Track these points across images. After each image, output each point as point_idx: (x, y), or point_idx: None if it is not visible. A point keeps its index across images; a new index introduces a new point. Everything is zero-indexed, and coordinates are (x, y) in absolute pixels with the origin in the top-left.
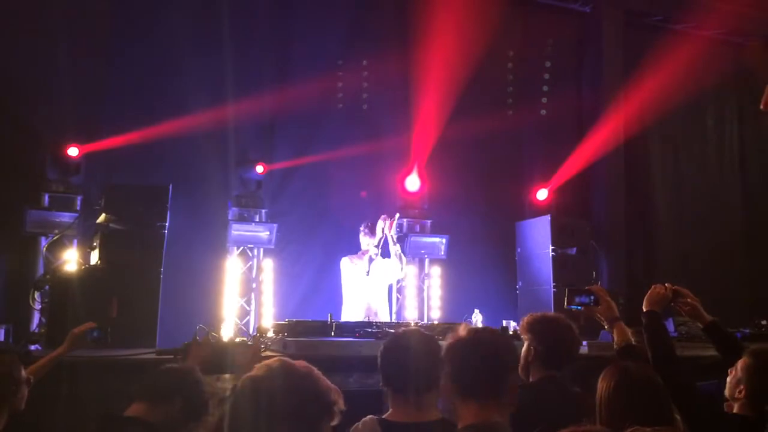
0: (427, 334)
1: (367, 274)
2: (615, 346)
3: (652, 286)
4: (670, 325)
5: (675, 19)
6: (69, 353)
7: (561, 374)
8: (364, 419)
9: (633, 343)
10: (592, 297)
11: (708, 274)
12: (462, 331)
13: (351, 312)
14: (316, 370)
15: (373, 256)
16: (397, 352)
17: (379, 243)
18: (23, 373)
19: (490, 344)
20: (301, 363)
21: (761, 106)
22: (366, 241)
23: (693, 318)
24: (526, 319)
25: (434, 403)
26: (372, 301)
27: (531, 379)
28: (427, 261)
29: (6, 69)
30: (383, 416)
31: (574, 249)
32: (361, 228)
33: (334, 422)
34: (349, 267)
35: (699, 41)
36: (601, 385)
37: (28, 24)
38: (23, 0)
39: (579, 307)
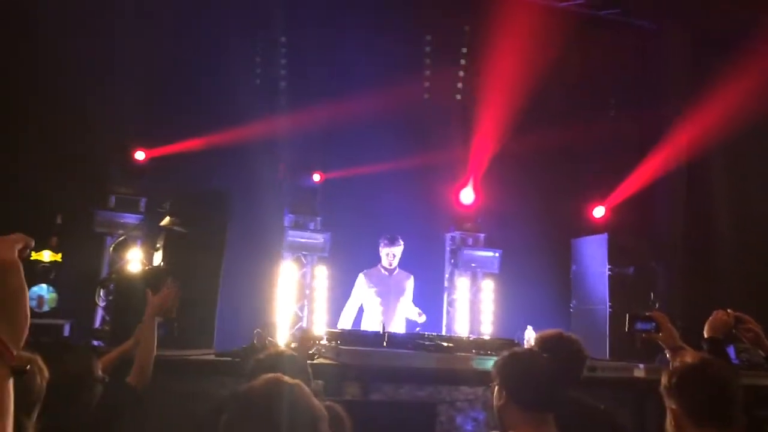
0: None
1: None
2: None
3: (714, 312)
4: (732, 353)
5: (744, 38)
6: (135, 348)
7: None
8: None
9: None
10: (653, 323)
11: None
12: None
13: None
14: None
15: (388, 267)
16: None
17: (398, 258)
18: (100, 372)
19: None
20: (296, 382)
21: None
22: (384, 252)
23: (755, 346)
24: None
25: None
26: (383, 314)
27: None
28: (479, 275)
29: (77, 75)
30: None
31: (632, 269)
32: (380, 240)
33: None
34: (361, 281)
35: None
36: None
37: (101, 32)
38: (96, 10)
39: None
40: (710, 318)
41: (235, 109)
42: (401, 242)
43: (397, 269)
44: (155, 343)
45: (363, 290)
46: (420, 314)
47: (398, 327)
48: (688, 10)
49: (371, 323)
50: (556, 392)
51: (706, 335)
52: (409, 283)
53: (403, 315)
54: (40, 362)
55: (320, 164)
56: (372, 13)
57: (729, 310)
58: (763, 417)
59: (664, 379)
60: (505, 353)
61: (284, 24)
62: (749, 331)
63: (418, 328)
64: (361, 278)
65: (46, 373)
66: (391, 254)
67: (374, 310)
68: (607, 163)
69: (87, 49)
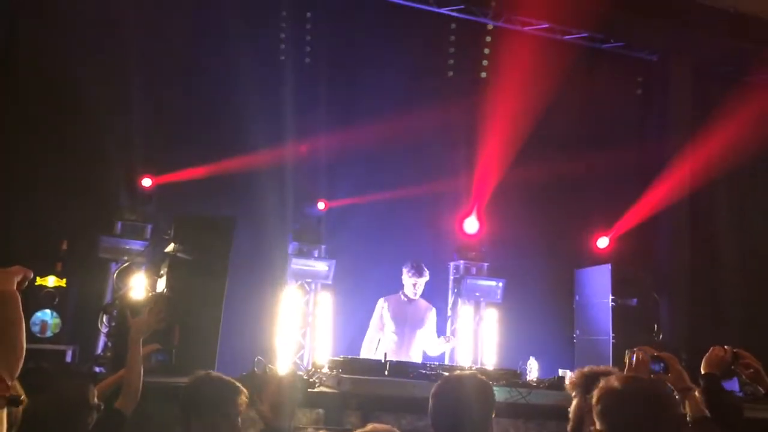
0: (481, 379)
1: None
2: (688, 419)
3: (711, 348)
4: (735, 385)
5: (745, 70)
6: None
7: None
8: None
9: (707, 415)
10: (662, 364)
11: None
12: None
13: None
14: None
15: (412, 297)
16: (448, 398)
17: (422, 288)
18: (96, 399)
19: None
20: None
21: None
22: (410, 282)
23: (755, 382)
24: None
25: None
26: (396, 344)
27: None
28: (482, 304)
29: (83, 100)
30: None
31: (635, 300)
32: (405, 268)
33: None
34: (380, 307)
35: None
36: None
37: (105, 57)
38: (100, 34)
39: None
40: (707, 354)
41: (241, 137)
42: (427, 273)
43: (419, 299)
44: (141, 367)
45: (381, 316)
46: (447, 340)
47: (413, 359)
48: (690, 42)
49: (384, 352)
50: None
51: (702, 371)
52: (431, 316)
53: (420, 347)
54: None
55: (325, 192)
56: (383, 46)
57: (726, 347)
58: None
59: (593, 402)
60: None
61: (293, 52)
62: (748, 367)
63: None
64: (380, 304)
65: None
66: (418, 284)
67: (388, 339)
68: (610, 194)
69: (95, 75)
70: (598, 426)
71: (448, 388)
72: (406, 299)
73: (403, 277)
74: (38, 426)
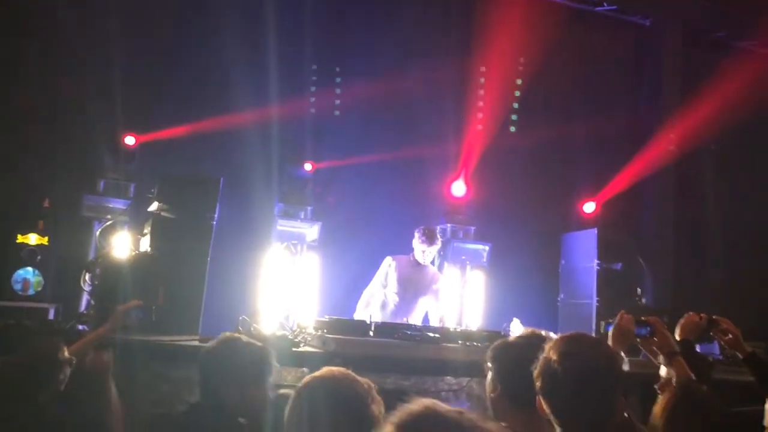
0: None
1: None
2: (674, 384)
3: (685, 315)
4: (715, 348)
5: (738, 36)
6: (112, 331)
7: None
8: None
9: (693, 378)
10: (649, 328)
11: (758, 296)
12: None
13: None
14: (374, 389)
15: (421, 262)
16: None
17: (433, 256)
18: (66, 354)
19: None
20: (364, 380)
21: None
22: (420, 248)
23: (732, 348)
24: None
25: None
26: (397, 306)
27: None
28: (468, 267)
29: (66, 59)
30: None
31: (620, 264)
32: (418, 234)
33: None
34: (385, 267)
35: (761, 59)
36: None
37: (87, 12)
38: None
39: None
40: (682, 320)
41: (227, 96)
42: (439, 241)
43: (429, 265)
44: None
45: (387, 275)
46: (440, 322)
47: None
48: (683, 6)
49: (385, 314)
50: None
51: (678, 338)
52: (439, 284)
53: (421, 314)
54: None
55: (312, 154)
56: (373, 6)
57: (702, 315)
58: (746, 412)
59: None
60: (501, 342)
61: (278, 11)
62: (726, 333)
63: None
64: (387, 262)
65: None
66: (427, 252)
67: (389, 300)
68: (598, 159)
69: (77, 33)
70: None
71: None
72: (415, 263)
73: (414, 241)
74: (7, 381)
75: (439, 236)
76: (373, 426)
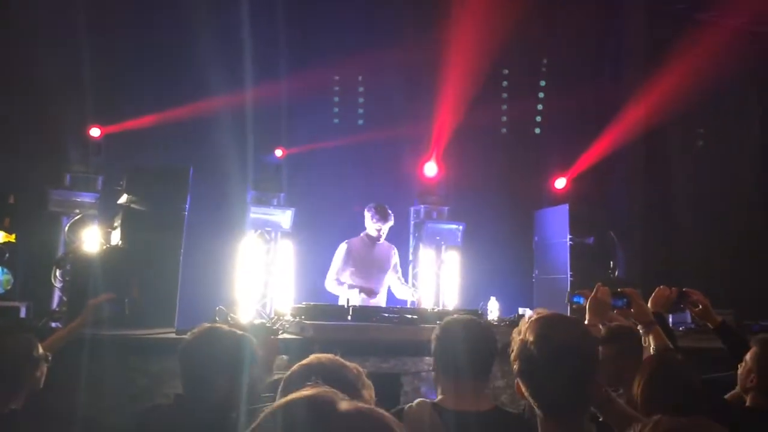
0: (486, 322)
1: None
2: (651, 352)
3: (657, 288)
4: (687, 317)
5: (699, 8)
6: (85, 326)
7: None
8: (418, 401)
9: (671, 347)
10: (625, 299)
11: (727, 266)
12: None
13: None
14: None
15: (380, 239)
16: (455, 338)
17: (386, 233)
18: (41, 351)
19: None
20: (353, 365)
21: None
22: (373, 226)
23: (702, 319)
24: None
25: (487, 389)
26: (368, 285)
27: None
28: (443, 247)
29: (28, 51)
30: (435, 401)
31: (592, 239)
32: (369, 212)
33: None
34: (341, 253)
35: (722, 31)
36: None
37: (51, 7)
38: None
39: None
40: (653, 294)
41: (194, 84)
42: (392, 217)
43: (383, 240)
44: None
45: (344, 260)
46: (413, 294)
47: (380, 302)
48: None
49: (351, 296)
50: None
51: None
52: (394, 255)
53: (385, 289)
54: None
55: (283, 139)
56: None
57: (674, 288)
58: (717, 378)
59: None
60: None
61: None
62: (696, 305)
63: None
64: (342, 247)
65: None
66: (382, 230)
67: (355, 283)
68: (568, 135)
69: (39, 22)
70: None
71: (455, 329)
72: (369, 241)
73: (366, 220)
74: None
75: (390, 213)
76: None
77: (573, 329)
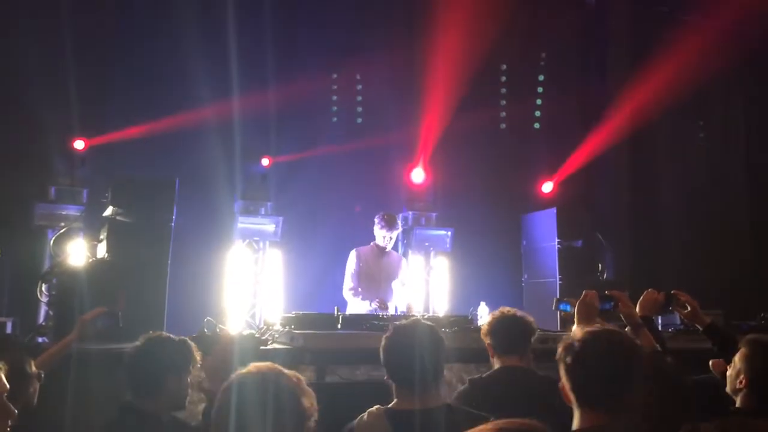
0: (429, 325)
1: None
2: None
3: (645, 292)
4: (676, 319)
5: (682, 10)
6: (78, 342)
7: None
8: (370, 410)
9: (659, 349)
10: (612, 302)
11: (714, 266)
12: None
13: (357, 304)
14: (303, 381)
15: (387, 248)
16: (400, 346)
17: (394, 240)
18: (33, 368)
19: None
20: (291, 373)
21: None
22: (381, 234)
23: (691, 321)
24: None
25: (438, 390)
26: (378, 295)
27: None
28: (432, 253)
29: (12, 64)
30: (388, 406)
31: (580, 241)
32: (378, 220)
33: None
34: (353, 259)
35: (707, 32)
36: None
37: (34, 19)
38: None
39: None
40: (641, 297)
41: (179, 95)
42: (399, 225)
43: (391, 250)
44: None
45: (357, 265)
46: (402, 284)
47: (390, 310)
48: None
49: (361, 305)
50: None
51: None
52: (403, 266)
53: (395, 298)
54: None
55: (269, 148)
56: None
57: (662, 292)
58: (706, 380)
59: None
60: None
61: (231, 5)
62: (685, 307)
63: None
64: (354, 255)
65: None
66: (388, 237)
67: (363, 292)
68: (554, 138)
69: (23, 35)
70: None
71: (400, 337)
72: (378, 251)
73: (375, 228)
74: None
75: (398, 221)
76: (305, 418)
77: (618, 334)
